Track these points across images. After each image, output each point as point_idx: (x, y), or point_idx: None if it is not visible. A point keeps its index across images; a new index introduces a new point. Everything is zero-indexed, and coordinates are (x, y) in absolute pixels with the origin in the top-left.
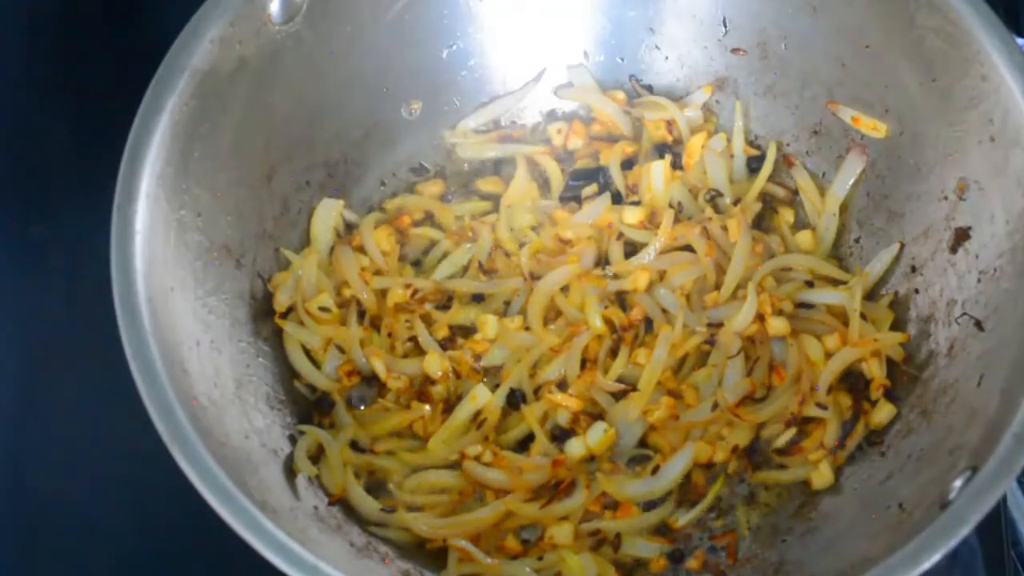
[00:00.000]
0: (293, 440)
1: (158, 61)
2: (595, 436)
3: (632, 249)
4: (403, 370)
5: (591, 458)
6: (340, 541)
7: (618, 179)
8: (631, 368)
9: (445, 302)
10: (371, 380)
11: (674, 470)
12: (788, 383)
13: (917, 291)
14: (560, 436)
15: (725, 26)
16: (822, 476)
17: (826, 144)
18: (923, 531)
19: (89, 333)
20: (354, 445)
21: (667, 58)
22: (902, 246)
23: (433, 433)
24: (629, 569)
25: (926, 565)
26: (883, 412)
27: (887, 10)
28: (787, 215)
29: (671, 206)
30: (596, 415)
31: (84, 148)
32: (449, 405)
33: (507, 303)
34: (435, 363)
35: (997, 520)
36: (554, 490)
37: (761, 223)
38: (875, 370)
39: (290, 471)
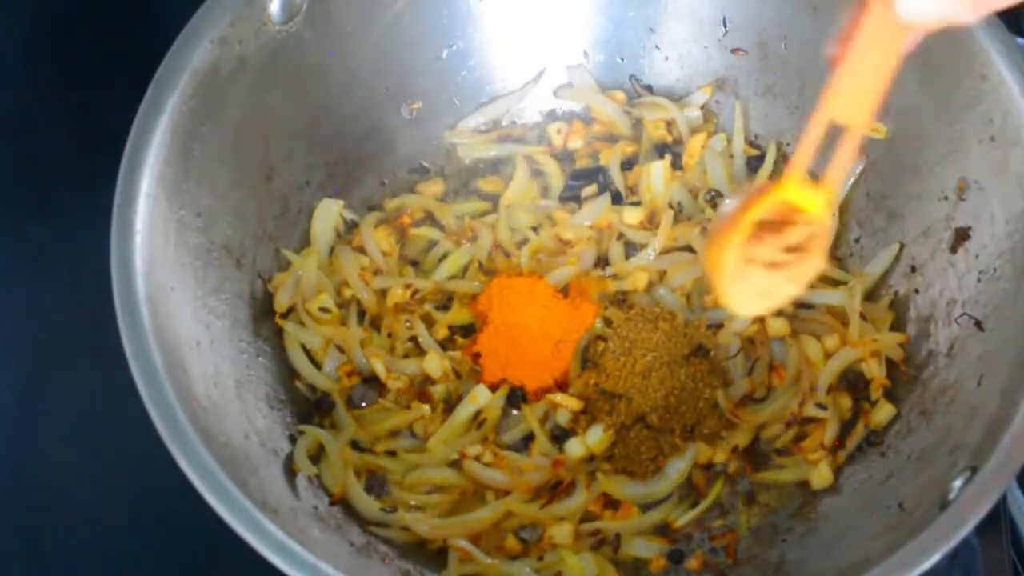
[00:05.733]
0: (293, 440)
1: (158, 61)
2: (595, 436)
3: (632, 249)
4: (403, 370)
5: (591, 458)
6: (340, 541)
7: (618, 179)
8: None
9: (445, 302)
10: (371, 380)
11: (674, 470)
12: (788, 383)
13: (917, 291)
14: (560, 436)
15: (725, 26)
16: (822, 476)
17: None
18: (923, 531)
19: (89, 333)
20: (354, 445)
21: (667, 58)
22: (902, 246)
23: (433, 433)
24: (629, 569)
25: (926, 565)
26: (883, 412)
27: None
28: None
29: (671, 206)
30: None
31: (84, 148)
32: (449, 405)
33: None
34: (435, 363)
35: (997, 520)
36: (554, 490)
37: None
38: (875, 370)
39: (290, 471)
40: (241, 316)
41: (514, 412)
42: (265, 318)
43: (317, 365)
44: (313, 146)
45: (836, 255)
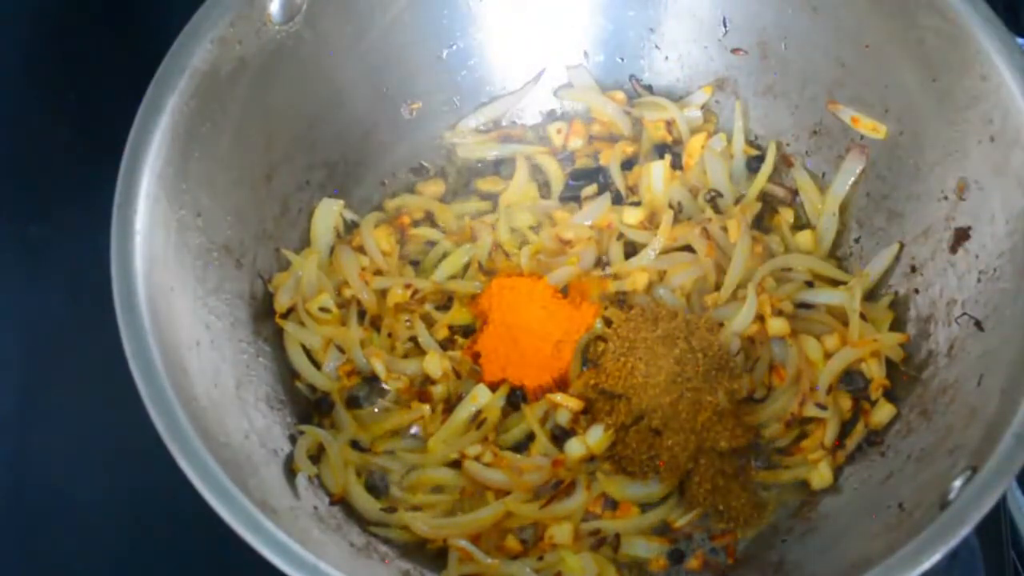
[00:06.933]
0: (293, 440)
1: (158, 61)
2: (595, 436)
3: (632, 249)
4: (403, 370)
5: (591, 458)
6: (340, 541)
7: (618, 179)
8: None
9: (445, 302)
10: (371, 380)
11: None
12: (788, 383)
13: (917, 291)
14: (560, 436)
15: (725, 26)
16: (822, 476)
17: (826, 144)
18: (923, 531)
19: (89, 333)
20: (354, 445)
21: (667, 58)
22: (902, 246)
23: (433, 433)
24: (629, 569)
25: (926, 565)
26: (883, 412)
27: (887, 10)
28: (787, 215)
29: (671, 206)
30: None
31: (84, 148)
32: (449, 405)
33: None
34: (435, 363)
35: (997, 520)
36: (554, 490)
37: (761, 223)
38: (875, 370)
39: (290, 471)
40: (241, 316)
41: (514, 412)
42: (265, 318)
43: (317, 365)
44: (313, 146)
45: (836, 255)
